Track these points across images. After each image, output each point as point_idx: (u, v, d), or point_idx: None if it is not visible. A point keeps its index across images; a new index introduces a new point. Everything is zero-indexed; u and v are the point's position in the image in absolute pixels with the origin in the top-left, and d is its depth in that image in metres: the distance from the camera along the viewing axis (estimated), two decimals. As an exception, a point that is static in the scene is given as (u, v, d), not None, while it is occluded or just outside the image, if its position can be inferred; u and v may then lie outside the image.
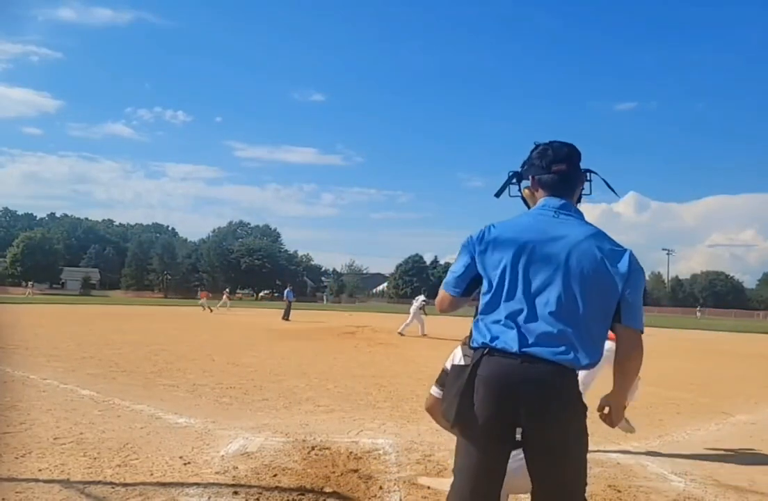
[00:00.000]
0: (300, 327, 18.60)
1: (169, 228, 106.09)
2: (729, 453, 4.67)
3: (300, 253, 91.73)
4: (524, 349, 1.73)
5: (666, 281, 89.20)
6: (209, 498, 3.13)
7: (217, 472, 3.54)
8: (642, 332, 1.83)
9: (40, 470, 3.46)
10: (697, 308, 60.41)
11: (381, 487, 3.40)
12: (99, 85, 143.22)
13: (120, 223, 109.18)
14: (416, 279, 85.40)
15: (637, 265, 1.82)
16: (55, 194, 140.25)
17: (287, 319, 22.58)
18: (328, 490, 3.32)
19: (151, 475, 3.48)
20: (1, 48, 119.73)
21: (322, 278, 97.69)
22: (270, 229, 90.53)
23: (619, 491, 3.53)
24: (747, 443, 5.06)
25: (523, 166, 1.98)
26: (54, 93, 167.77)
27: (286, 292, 24.65)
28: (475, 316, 1.90)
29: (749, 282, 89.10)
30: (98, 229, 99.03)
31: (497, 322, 1.80)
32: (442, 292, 2.00)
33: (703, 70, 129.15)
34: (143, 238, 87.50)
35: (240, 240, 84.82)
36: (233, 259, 79.35)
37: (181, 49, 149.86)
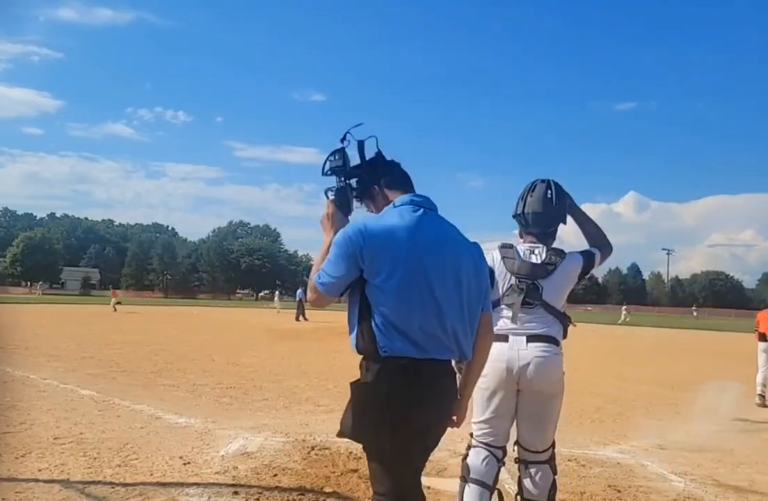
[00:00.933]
0: (300, 327, 18.61)
1: (169, 228, 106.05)
2: (728, 453, 4.67)
3: (300, 253, 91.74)
4: None
5: (666, 281, 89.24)
6: (209, 498, 3.13)
7: (217, 472, 3.54)
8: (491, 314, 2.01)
9: (40, 470, 3.46)
10: (693, 307, 58.22)
11: (381, 487, 3.39)
12: (99, 85, 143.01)
13: (120, 223, 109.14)
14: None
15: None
16: (55, 194, 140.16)
17: (304, 319, 21.98)
18: (328, 490, 3.33)
19: (151, 475, 3.48)
20: (1, 48, 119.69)
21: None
22: (270, 229, 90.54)
23: (619, 491, 3.53)
24: (746, 443, 5.06)
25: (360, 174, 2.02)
26: (54, 93, 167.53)
27: (299, 292, 23.94)
28: None
29: (749, 282, 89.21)
30: (98, 229, 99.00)
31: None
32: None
33: (703, 70, 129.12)
34: (143, 238, 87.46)
35: (240, 240, 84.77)
36: (233, 259, 79.33)
37: (182, 49, 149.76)
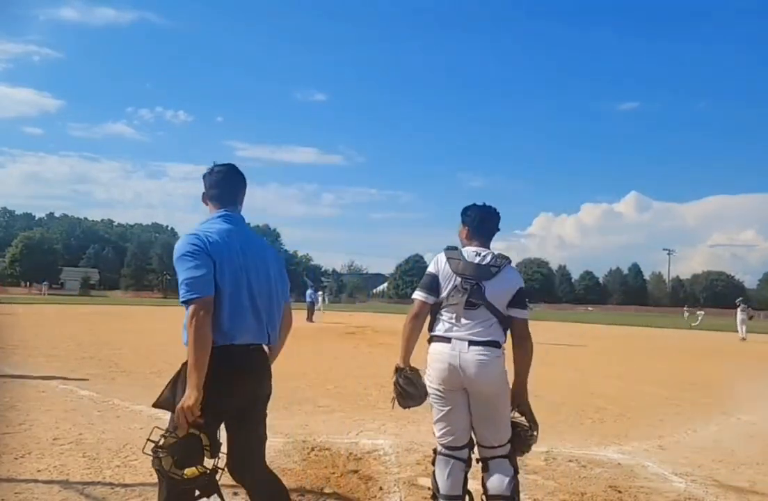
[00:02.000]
0: (300, 327, 18.59)
1: (169, 228, 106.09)
2: (729, 453, 4.66)
3: (300, 253, 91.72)
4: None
5: (667, 281, 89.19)
6: (209, 498, 3.12)
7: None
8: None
9: (39, 471, 3.46)
10: (684, 307, 46.80)
11: (381, 488, 3.39)
12: (100, 85, 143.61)
13: (119, 223, 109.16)
14: (416, 279, 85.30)
15: None
16: (55, 194, 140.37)
17: (310, 321, 21.55)
18: (328, 490, 3.32)
19: (151, 475, 3.46)
20: (2, 48, 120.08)
21: (322, 278, 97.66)
22: (270, 229, 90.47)
23: (620, 492, 3.53)
24: (747, 443, 5.05)
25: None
26: (55, 93, 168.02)
27: (309, 292, 23.36)
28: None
29: (750, 282, 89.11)
30: (97, 229, 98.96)
31: None
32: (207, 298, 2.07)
33: (704, 70, 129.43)
34: (143, 238, 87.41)
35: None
36: (233, 259, 79.28)
37: (183, 49, 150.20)
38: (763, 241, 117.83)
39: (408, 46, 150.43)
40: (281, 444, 4.26)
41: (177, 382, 2.05)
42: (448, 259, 2.70)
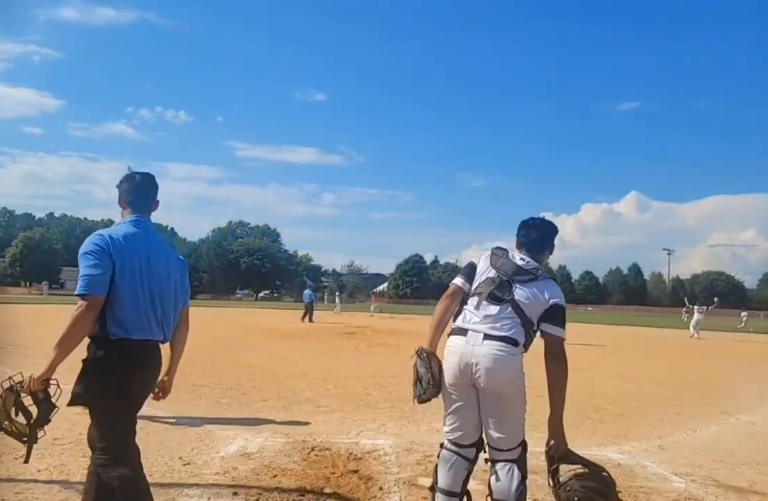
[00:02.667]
0: (300, 327, 18.60)
1: (169, 228, 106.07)
2: (729, 453, 4.66)
3: (300, 253, 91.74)
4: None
5: (667, 281, 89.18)
6: (209, 499, 3.13)
7: (216, 473, 3.54)
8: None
9: (39, 471, 3.46)
10: (684, 309, 41.97)
11: (381, 488, 3.40)
12: (100, 84, 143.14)
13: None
14: (416, 279, 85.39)
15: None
16: (55, 194, 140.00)
17: (309, 321, 21.29)
18: (328, 490, 3.32)
19: (151, 476, 3.46)
20: (2, 48, 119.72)
21: (322, 278, 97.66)
22: (270, 229, 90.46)
23: (620, 492, 3.53)
24: (747, 443, 5.05)
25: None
26: (55, 93, 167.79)
27: (307, 293, 22.83)
28: None
29: (750, 282, 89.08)
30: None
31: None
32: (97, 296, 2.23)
33: (705, 69, 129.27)
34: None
35: (240, 240, 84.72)
36: (233, 259, 79.30)
37: (183, 48, 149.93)
38: (763, 241, 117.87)
39: (408, 46, 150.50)
40: (281, 444, 4.26)
41: (81, 378, 2.34)
42: (492, 254, 2.71)
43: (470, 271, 2.71)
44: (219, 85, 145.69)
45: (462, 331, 2.57)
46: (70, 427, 4.48)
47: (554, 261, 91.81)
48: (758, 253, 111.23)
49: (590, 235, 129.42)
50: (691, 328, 20.82)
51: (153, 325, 2.36)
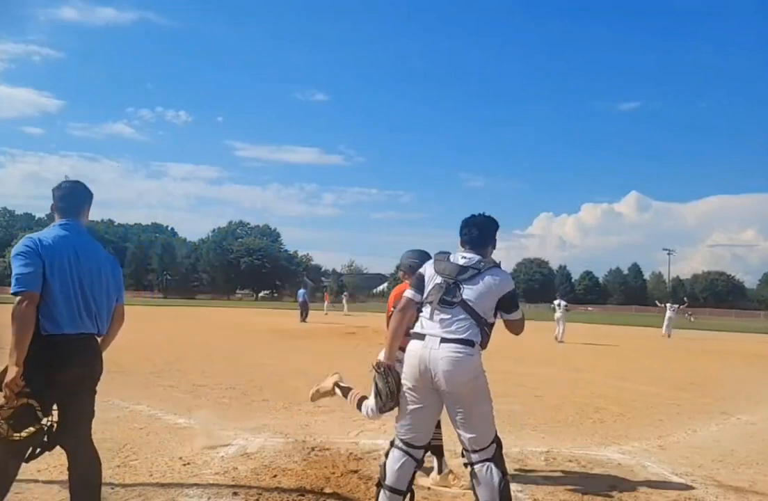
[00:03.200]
0: (300, 327, 18.60)
1: (169, 228, 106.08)
2: (729, 453, 4.66)
3: (300, 253, 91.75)
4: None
5: (667, 281, 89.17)
6: (209, 499, 3.13)
7: (216, 473, 3.54)
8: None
9: (39, 471, 3.46)
10: (689, 311, 46.12)
11: (381, 488, 3.39)
12: (101, 84, 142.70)
13: (119, 223, 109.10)
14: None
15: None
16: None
17: (303, 321, 21.74)
18: (328, 490, 3.32)
19: (151, 475, 3.48)
20: (3, 48, 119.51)
21: (322, 278, 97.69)
22: (270, 228, 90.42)
23: (620, 492, 3.53)
24: (747, 443, 5.05)
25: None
26: (56, 93, 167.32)
27: (301, 292, 23.15)
28: None
29: (750, 282, 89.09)
30: (97, 229, 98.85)
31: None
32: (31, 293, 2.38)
33: (705, 69, 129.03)
34: (143, 238, 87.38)
35: (240, 240, 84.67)
36: (233, 259, 79.27)
37: (183, 48, 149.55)
38: (763, 241, 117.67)
39: (408, 46, 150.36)
40: (281, 444, 4.26)
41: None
42: (435, 261, 2.83)
43: (419, 282, 2.81)
44: (219, 85, 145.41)
45: (420, 336, 2.67)
46: (70, 427, 4.48)
47: (554, 261, 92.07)
48: (758, 253, 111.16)
49: (590, 235, 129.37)
50: (664, 327, 20.90)
51: (85, 320, 2.55)
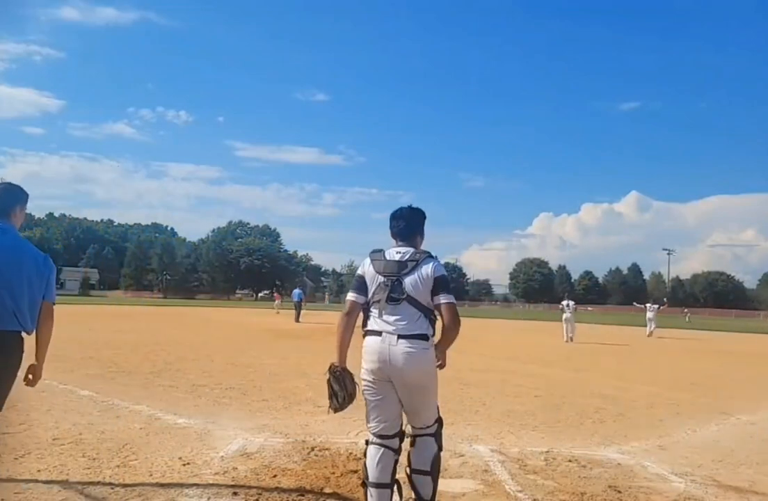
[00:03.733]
0: (300, 327, 18.60)
1: (169, 228, 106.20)
2: (729, 453, 4.66)
3: (300, 253, 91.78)
4: None
5: (667, 281, 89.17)
6: (209, 499, 3.12)
7: (216, 473, 3.54)
8: (53, 304, 2.88)
9: (39, 471, 3.45)
10: (685, 310, 47.58)
11: (381, 488, 3.38)
12: (101, 85, 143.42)
13: (119, 223, 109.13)
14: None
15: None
16: (56, 194, 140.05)
17: (296, 321, 21.82)
18: (328, 490, 3.32)
19: (151, 475, 3.47)
20: (4, 48, 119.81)
21: (322, 278, 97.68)
22: (269, 229, 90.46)
23: (620, 492, 3.53)
24: (747, 443, 5.05)
25: None
26: (56, 93, 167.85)
27: (296, 292, 23.09)
28: None
29: (750, 282, 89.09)
30: (97, 229, 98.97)
31: None
32: None
33: (706, 69, 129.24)
34: (142, 238, 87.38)
35: (239, 240, 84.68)
36: (233, 259, 79.29)
37: (184, 49, 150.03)
38: (763, 241, 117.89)
39: (408, 47, 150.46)
40: (281, 444, 4.26)
41: None
42: (372, 260, 2.91)
43: (360, 284, 2.91)
44: (220, 85, 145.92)
45: (376, 333, 2.82)
46: (70, 428, 4.48)
47: (554, 261, 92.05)
48: (758, 253, 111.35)
49: (590, 235, 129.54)
50: (647, 327, 21.05)
51: (5, 316, 2.63)
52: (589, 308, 32.84)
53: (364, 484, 2.79)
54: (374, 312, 2.84)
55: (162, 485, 3.30)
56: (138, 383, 6.69)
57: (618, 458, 4.30)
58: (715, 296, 79.84)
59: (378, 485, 2.73)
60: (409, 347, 2.73)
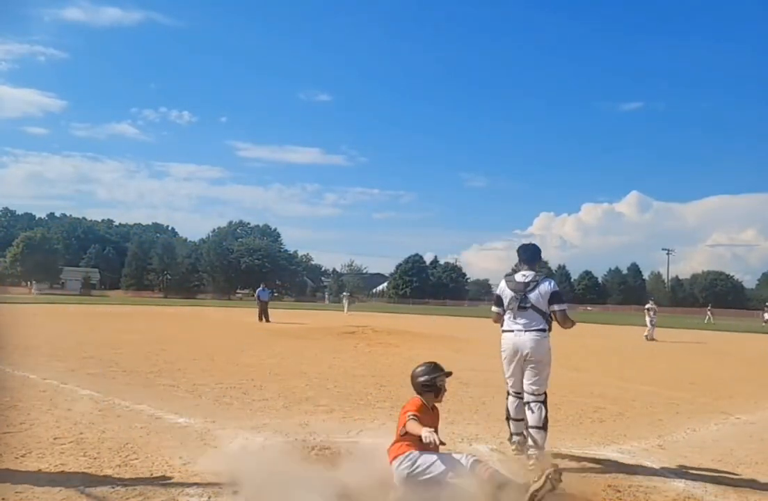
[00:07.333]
0: (300, 327, 18.59)
1: (169, 228, 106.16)
2: (728, 453, 4.67)
3: (300, 253, 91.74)
4: None
5: (666, 281, 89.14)
6: (209, 498, 3.13)
7: (217, 473, 3.54)
8: None
9: (40, 470, 3.46)
10: (708, 309, 46.83)
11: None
12: (105, 85, 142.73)
13: (120, 223, 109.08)
14: (416, 279, 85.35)
15: None
16: (58, 194, 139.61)
17: (266, 320, 20.62)
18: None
19: (151, 475, 3.48)
20: (7, 48, 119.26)
21: (322, 278, 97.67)
22: (270, 228, 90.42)
23: (619, 491, 3.54)
24: (747, 443, 5.06)
25: None
26: (59, 93, 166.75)
27: (259, 291, 21.60)
28: None
29: (750, 282, 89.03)
30: (98, 229, 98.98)
31: None
32: None
33: (706, 69, 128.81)
34: (143, 238, 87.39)
35: (240, 240, 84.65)
36: (233, 259, 79.25)
37: (188, 49, 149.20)
38: (763, 241, 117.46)
39: (411, 47, 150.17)
40: (281, 444, 4.27)
41: None
42: (506, 281, 4.36)
43: (498, 300, 4.44)
44: (223, 85, 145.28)
45: (510, 330, 4.23)
46: (71, 427, 4.49)
47: (554, 261, 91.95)
48: (758, 253, 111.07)
49: (590, 235, 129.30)
50: (650, 328, 20.64)
51: None
52: (589, 308, 32.81)
53: (508, 419, 4.28)
54: (508, 316, 4.26)
55: (163, 484, 3.30)
56: (139, 383, 6.70)
57: (618, 458, 4.31)
58: (715, 296, 79.69)
59: (516, 420, 4.20)
60: (533, 336, 4.11)
